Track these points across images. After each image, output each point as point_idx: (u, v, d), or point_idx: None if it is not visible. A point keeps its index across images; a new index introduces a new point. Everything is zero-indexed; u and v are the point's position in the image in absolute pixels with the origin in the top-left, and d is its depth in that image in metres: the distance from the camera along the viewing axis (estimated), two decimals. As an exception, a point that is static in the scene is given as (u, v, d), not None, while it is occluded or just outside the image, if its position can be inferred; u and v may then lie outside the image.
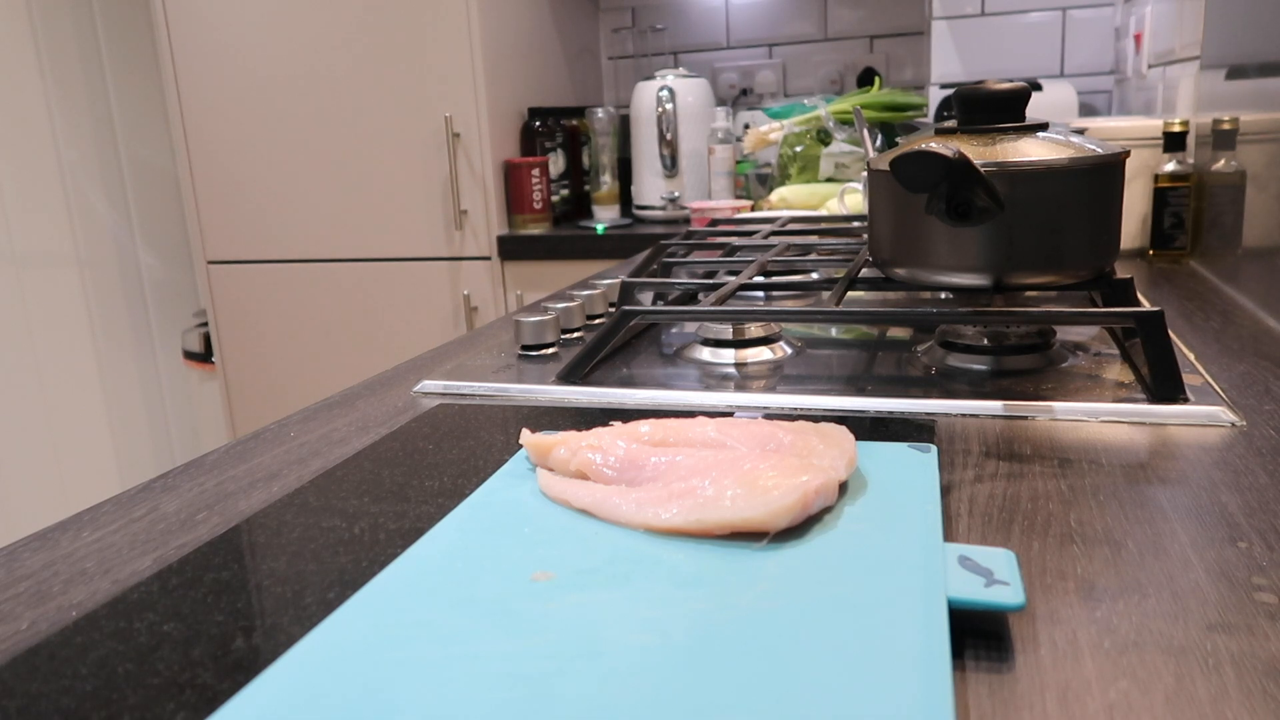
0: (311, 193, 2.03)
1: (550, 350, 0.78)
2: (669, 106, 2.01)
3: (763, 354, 0.74)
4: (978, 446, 0.53)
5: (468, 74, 1.90)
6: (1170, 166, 1.09)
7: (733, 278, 0.81)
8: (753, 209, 1.84)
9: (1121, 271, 0.73)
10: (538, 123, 2.04)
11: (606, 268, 1.25)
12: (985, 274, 0.67)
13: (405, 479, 0.51)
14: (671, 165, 2.04)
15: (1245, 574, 0.37)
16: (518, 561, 0.39)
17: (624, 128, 2.20)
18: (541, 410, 0.64)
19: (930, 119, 1.91)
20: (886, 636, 0.32)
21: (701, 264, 0.97)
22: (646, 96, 2.03)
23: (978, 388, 0.64)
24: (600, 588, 0.36)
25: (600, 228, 1.99)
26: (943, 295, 0.92)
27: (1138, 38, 1.62)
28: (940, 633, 0.31)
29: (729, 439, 0.48)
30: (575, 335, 0.83)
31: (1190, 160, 1.10)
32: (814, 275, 0.96)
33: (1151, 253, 1.12)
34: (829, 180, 1.80)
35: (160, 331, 2.50)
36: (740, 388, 0.67)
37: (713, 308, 0.72)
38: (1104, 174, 0.67)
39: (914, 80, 2.20)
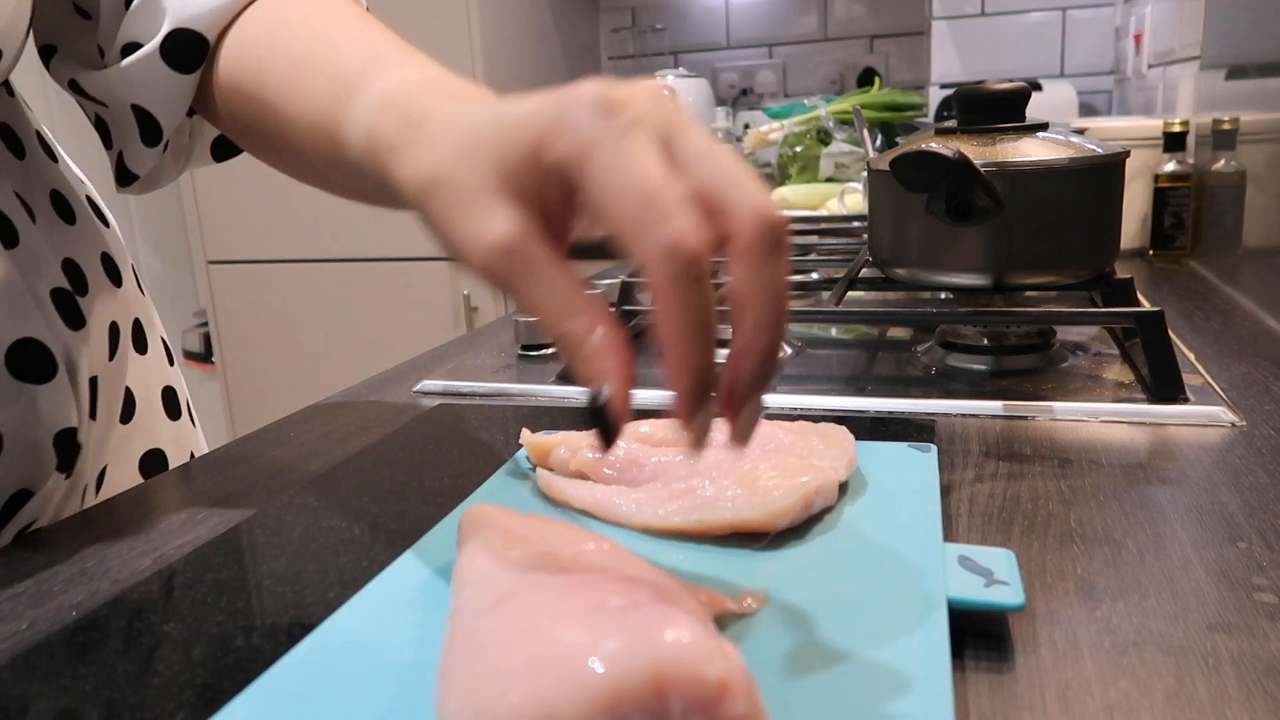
0: (311, 193, 2.02)
1: (550, 350, 0.78)
2: (669, 106, 2.01)
3: (763, 354, 0.74)
4: (978, 446, 0.53)
5: (468, 74, 1.90)
6: (1170, 166, 1.09)
7: (733, 278, 0.81)
8: (753, 209, 1.83)
9: (1121, 271, 0.73)
10: (538, 123, 2.04)
11: (606, 268, 1.25)
12: (985, 274, 0.67)
13: (405, 479, 0.51)
14: (671, 165, 2.04)
15: (1245, 574, 0.37)
16: (518, 561, 0.39)
17: (624, 128, 2.20)
18: (541, 410, 0.64)
19: (930, 119, 1.91)
20: (886, 636, 0.32)
21: (701, 264, 0.97)
22: (646, 96, 2.03)
23: (978, 388, 0.64)
24: (600, 588, 0.36)
25: (600, 228, 1.98)
26: (943, 295, 0.92)
27: (1138, 38, 1.62)
28: (940, 633, 0.31)
29: (729, 439, 0.48)
30: (575, 335, 0.83)
31: (1190, 160, 1.10)
32: (814, 275, 0.96)
33: (1151, 253, 1.12)
34: (829, 180, 1.80)
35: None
36: (740, 388, 0.67)
37: (713, 308, 0.72)
38: (1104, 174, 0.67)
39: (914, 80, 2.20)
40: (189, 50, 0.50)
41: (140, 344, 0.63)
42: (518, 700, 0.25)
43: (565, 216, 0.32)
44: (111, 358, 0.58)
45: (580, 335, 0.29)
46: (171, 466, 0.65)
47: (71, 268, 0.55)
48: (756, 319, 0.29)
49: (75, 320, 0.54)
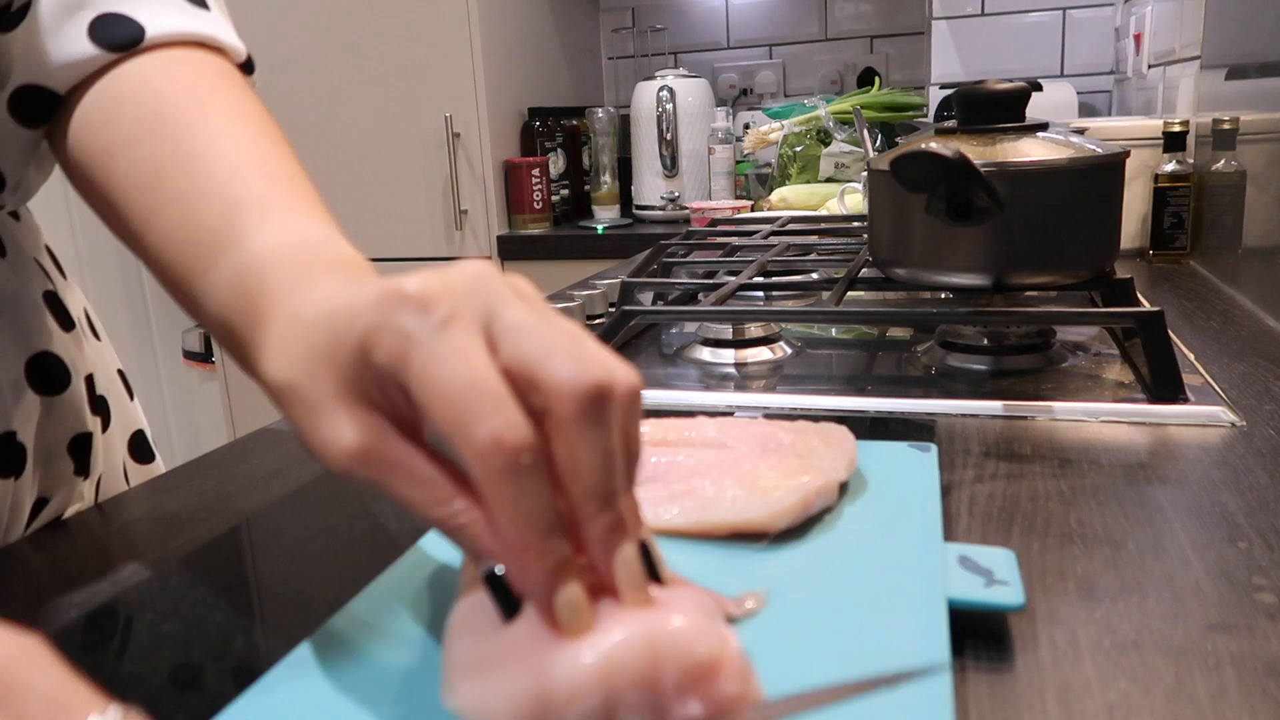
0: (311, 193, 2.03)
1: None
2: (669, 106, 2.01)
3: (763, 354, 0.74)
4: (978, 446, 0.53)
5: (468, 74, 1.90)
6: (1170, 166, 1.09)
7: (733, 278, 0.81)
8: (753, 209, 1.84)
9: (1121, 271, 0.73)
10: (538, 123, 2.04)
11: (606, 268, 1.25)
12: (985, 274, 0.67)
13: (405, 479, 0.51)
14: (671, 165, 2.04)
15: (1245, 574, 0.37)
16: (518, 561, 0.39)
17: (624, 128, 2.20)
18: (541, 410, 0.64)
19: (930, 119, 1.91)
20: (886, 636, 0.32)
21: (701, 264, 0.97)
22: (646, 96, 2.03)
23: (978, 388, 0.64)
24: (600, 588, 0.36)
25: (600, 228, 1.99)
26: (943, 295, 0.92)
27: (1138, 38, 1.62)
28: (940, 633, 0.31)
29: (729, 439, 0.48)
30: (575, 335, 0.83)
31: (1190, 160, 1.10)
32: (814, 275, 0.96)
33: (1151, 253, 1.12)
34: (829, 180, 1.80)
35: (160, 331, 2.50)
36: (740, 388, 0.67)
37: (713, 308, 0.72)
38: (1104, 174, 0.67)
39: (914, 80, 2.20)
40: (37, 104, 0.45)
41: (94, 332, 0.62)
42: (518, 676, 0.26)
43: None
44: (88, 352, 0.58)
45: (456, 520, 0.28)
46: (152, 445, 0.64)
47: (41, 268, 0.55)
48: (583, 490, 0.28)
49: (66, 322, 0.54)
